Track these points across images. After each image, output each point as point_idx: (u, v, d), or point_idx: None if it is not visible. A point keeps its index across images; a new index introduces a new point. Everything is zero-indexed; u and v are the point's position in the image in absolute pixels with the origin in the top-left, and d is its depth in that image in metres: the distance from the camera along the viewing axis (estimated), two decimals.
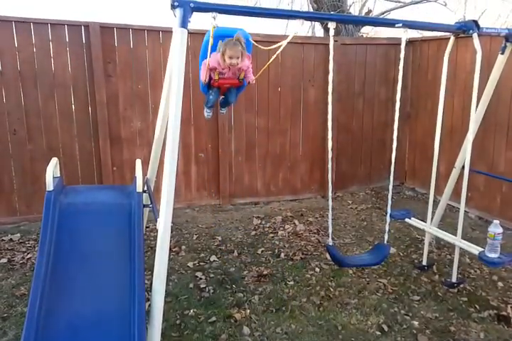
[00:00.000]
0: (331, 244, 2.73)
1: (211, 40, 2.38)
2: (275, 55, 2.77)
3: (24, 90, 4.29)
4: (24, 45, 4.22)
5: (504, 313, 2.92)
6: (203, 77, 2.74)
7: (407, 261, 3.72)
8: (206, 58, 2.63)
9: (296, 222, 4.64)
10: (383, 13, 9.21)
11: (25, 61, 4.25)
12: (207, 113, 3.24)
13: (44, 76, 4.34)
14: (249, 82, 2.90)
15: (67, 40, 4.36)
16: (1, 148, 4.31)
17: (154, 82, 4.68)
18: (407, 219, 3.45)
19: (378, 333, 2.73)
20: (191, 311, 2.91)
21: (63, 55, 4.38)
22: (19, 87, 4.27)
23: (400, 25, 2.55)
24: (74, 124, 4.53)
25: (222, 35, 2.64)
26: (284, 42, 2.52)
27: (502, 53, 3.15)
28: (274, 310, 2.95)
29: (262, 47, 2.67)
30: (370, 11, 8.80)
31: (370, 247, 3.99)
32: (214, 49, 2.67)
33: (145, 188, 2.80)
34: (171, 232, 2.11)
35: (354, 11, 9.17)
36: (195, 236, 4.24)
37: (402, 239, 4.20)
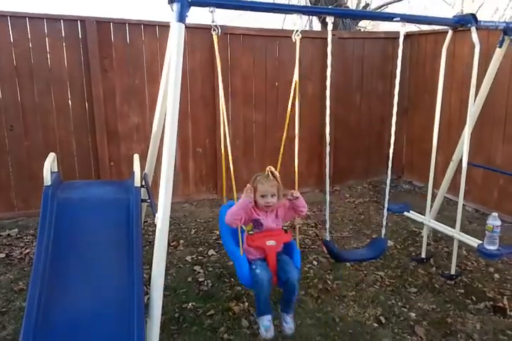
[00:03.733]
0: (328, 239, 2.71)
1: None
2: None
3: (20, 86, 4.27)
4: (20, 40, 4.18)
5: (500, 304, 2.95)
6: (234, 215, 2.29)
7: (405, 253, 3.74)
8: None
9: None
10: (380, 7, 9.19)
11: (21, 56, 4.22)
12: (264, 327, 2.24)
13: (40, 71, 4.31)
14: (300, 212, 2.44)
15: (63, 35, 4.32)
16: None
17: (151, 76, 4.66)
18: (405, 213, 3.46)
19: (376, 325, 2.75)
20: (190, 304, 2.92)
21: (59, 50, 4.35)
22: (15, 83, 4.24)
23: (398, 19, 2.53)
24: (71, 120, 4.51)
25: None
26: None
27: (500, 47, 3.14)
28: (272, 303, 2.96)
29: None
30: (367, 5, 8.77)
31: (368, 240, 4.02)
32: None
33: (143, 183, 2.80)
34: (169, 227, 2.11)
35: (351, 4, 9.14)
36: (193, 231, 4.25)
37: (399, 232, 4.23)
